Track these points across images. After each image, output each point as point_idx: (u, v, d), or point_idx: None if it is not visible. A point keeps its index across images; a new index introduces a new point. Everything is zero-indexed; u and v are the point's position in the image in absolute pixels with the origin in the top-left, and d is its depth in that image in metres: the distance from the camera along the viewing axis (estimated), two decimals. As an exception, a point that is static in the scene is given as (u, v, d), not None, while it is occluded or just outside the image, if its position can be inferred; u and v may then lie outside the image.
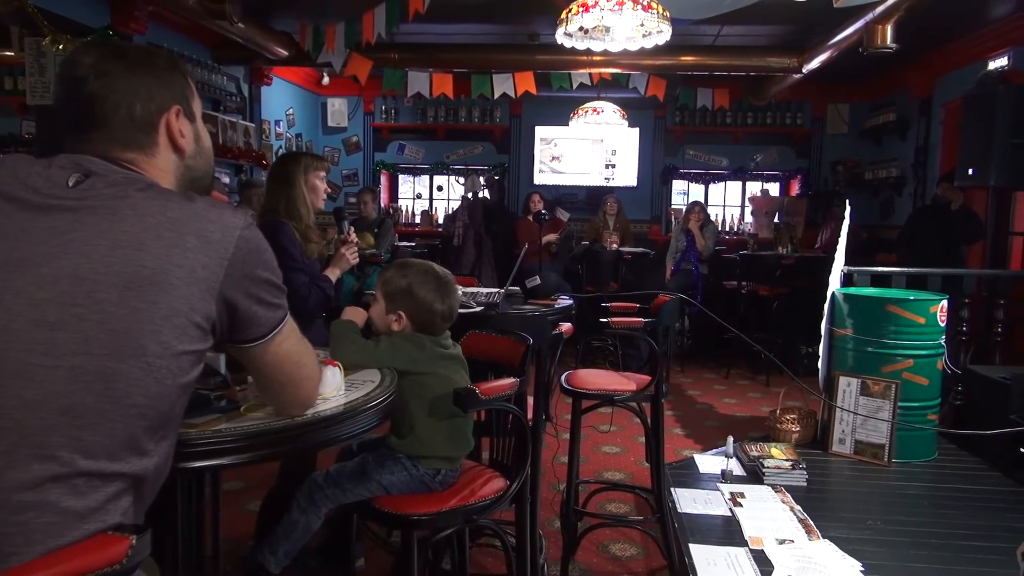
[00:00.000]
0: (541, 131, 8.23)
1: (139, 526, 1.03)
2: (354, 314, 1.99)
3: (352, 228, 2.86)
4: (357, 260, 2.82)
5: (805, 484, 2.83)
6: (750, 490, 2.75)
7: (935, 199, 5.60)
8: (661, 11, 3.40)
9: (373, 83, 6.65)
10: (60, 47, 3.88)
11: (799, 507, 2.59)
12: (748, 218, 8.43)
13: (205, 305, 1.07)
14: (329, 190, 2.91)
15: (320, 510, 1.84)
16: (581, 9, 3.43)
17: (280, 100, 7.35)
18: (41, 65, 4.15)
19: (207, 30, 5.29)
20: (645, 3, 3.36)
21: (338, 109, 8.33)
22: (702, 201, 7.56)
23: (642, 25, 3.52)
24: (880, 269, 3.91)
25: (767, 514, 2.54)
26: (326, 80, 7.91)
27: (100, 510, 0.98)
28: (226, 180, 6.02)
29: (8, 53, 5.28)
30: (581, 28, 3.56)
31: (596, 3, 3.36)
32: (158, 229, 1.04)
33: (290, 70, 7.24)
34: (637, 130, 8.01)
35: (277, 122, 7.26)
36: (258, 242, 1.15)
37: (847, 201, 3.99)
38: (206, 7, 4.63)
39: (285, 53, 5.94)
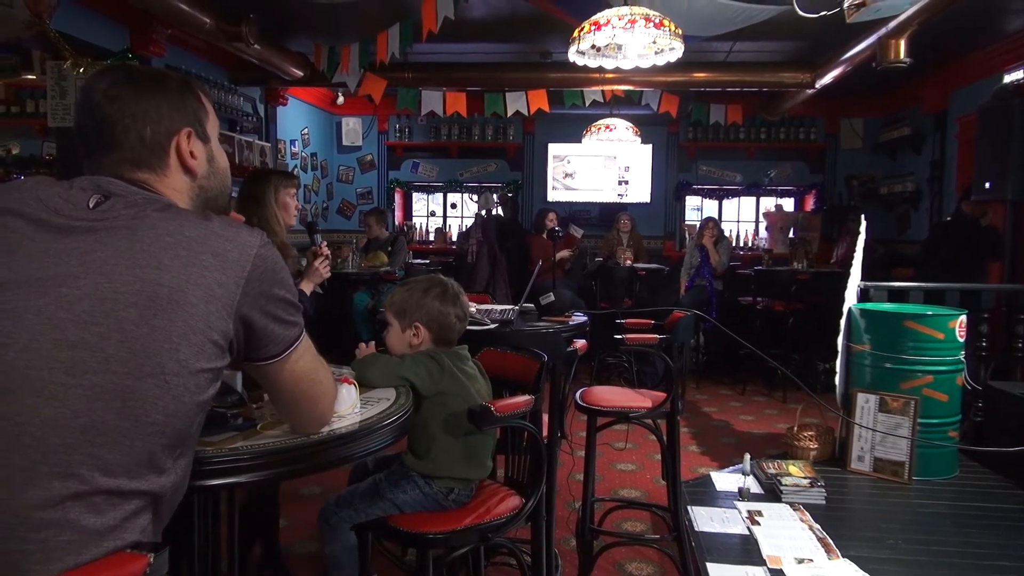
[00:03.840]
0: (554, 148, 8.26)
1: (157, 544, 1.03)
2: (367, 350, 2.01)
3: (324, 241, 2.80)
4: (329, 273, 2.75)
5: (824, 502, 2.79)
6: (768, 508, 2.72)
7: (957, 214, 5.54)
8: (673, 28, 3.42)
9: (387, 102, 6.71)
10: (81, 70, 3.95)
11: (818, 525, 2.55)
12: (762, 233, 8.40)
13: (222, 323, 1.08)
14: (299, 206, 2.89)
15: (344, 529, 1.84)
16: (593, 27, 3.44)
17: (295, 120, 7.43)
18: (62, 88, 4.22)
19: (224, 52, 5.38)
20: (657, 21, 3.37)
21: (353, 128, 8.41)
22: (716, 217, 7.54)
23: (654, 42, 3.54)
24: (897, 284, 3.87)
25: (785, 532, 2.50)
26: (341, 100, 7.99)
27: (119, 528, 0.99)
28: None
29: (30, 76, 5.38)
30: (593, 46, 3.58)
31: (608, 21, 3.38)
32: (176, 248, 1.06)
33: (305, 90, 7.33)
34: (650, 146, 8.02)
35: (292, 141, 7.34)
36: (274, 261, 1.17)
37: (862, 216, 3.96)
38: (223, 30, 4.71)
39: (300, 74, 6.02)
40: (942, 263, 5.16)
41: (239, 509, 2.66)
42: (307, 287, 2.69)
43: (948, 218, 6.20)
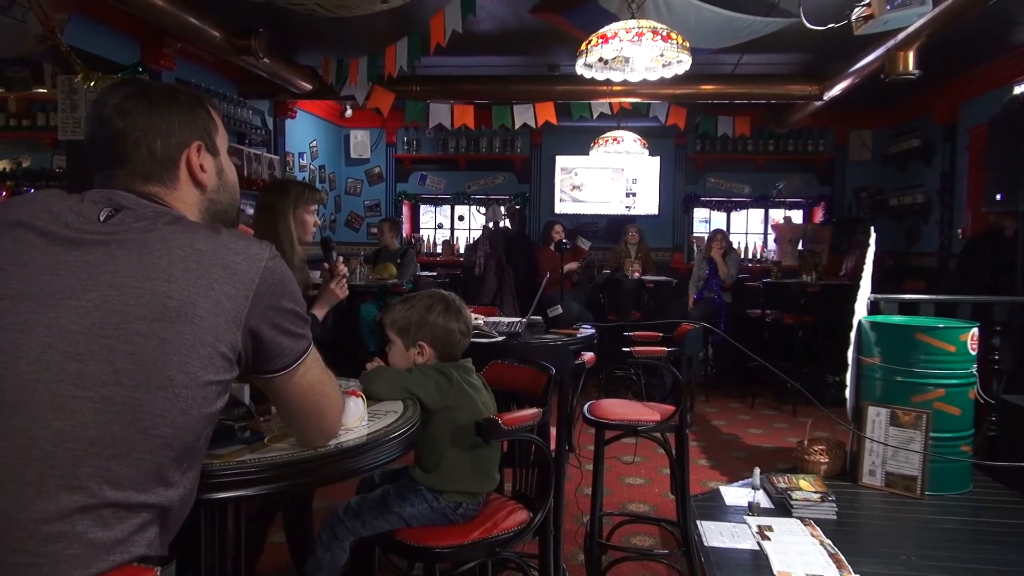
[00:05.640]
0: (562, 160, 8.27)
1: (164, 557, 1.03)
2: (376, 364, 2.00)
3: (341, 258, 2.57)
4: (347, 293, 2.53)
5: (835, 517, 2.77)
6: (778, 523, 2.70)
7: (989, 226, 5.47)
8: (680, 41, 3.42)
9: (395, 115, 6.74)
10: (92, 84, 3.98)
11: (829, 541, 2.53)
12: (771, 246, 8.38)
13: (231, 336, 1.08)
14: (319, 223, 2.71)
15: (343, 543, 1.83)
16: (601, 40, 3.46)
17: (304, 132, 7.47)
18: (73, 102, 4.26)
19: (233, 65, 5.43)
20: (664, 34, 3.38)
21: (361, 141, 8.45)
22: (724, 229, 7.52)
23: (661, 55, 3.55)
24: (908, 297, 3.85)
25: (796, 548, 2.48)
26: (349, 112, 8.03)
27: (126, 541, 0.99)
28: (252, 212, 6.10)
29: (41, 90, 5.45)
30: (601, 59, 3.59)
31: (615, 34, 3.39)
32: (185, 261, 1.06)
33: (314, 103, 7.38)
34: (658, 159, 8.02)
35: (301, 154, 7.38)
36: (283, 273, 1.17)
37: (872, 228, 3.95)
38: (232, 43, 4.75)
39: (309, 87, 6.06)
40: (974, 278, 5.05)
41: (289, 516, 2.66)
42: (320, 311, 2.46)
43: (960, 230, 6.16)
